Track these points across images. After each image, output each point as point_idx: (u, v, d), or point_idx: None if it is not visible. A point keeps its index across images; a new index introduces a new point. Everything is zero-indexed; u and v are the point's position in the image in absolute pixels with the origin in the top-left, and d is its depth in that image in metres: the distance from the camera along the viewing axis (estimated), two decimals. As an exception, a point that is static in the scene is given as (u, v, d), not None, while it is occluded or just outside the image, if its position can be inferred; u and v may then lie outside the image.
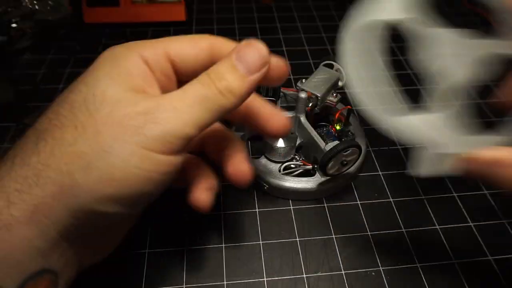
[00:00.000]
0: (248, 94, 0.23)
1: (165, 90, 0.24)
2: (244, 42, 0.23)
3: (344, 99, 0.46)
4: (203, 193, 0.26)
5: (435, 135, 0.21)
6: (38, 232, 0.20)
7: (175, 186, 0.25)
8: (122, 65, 0.22)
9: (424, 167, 0.21)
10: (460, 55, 0.22)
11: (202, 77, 0.22)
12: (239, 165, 0.27)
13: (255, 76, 0.23)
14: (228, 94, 0.22)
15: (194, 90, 0.22)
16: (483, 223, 0.34)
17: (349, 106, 0.38)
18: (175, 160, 0.22)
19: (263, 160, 0.37)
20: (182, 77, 0.25)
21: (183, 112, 0.21)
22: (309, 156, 0.37)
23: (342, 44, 0.23)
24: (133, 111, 0.21)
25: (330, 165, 0.33)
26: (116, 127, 0.20)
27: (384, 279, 0.31)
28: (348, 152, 0.33)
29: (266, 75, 0.23)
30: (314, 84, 0.36)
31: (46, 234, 0.20)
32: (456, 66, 0.22)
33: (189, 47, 0.24)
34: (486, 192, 0.37)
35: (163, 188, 0.22)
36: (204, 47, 0.24)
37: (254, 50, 0.23)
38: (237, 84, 0.22)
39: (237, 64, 0.22)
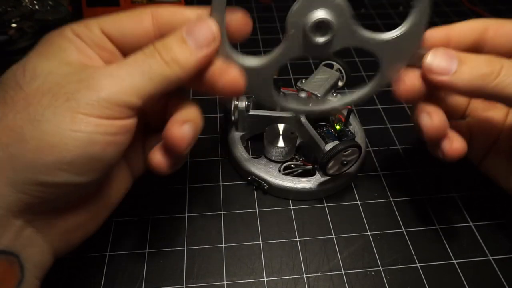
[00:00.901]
0: (195, 68, 0.23)
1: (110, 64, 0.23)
2: (196, 18, 0.23)
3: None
4: (177, 127, 0.23)
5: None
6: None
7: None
8: (55, 43, 0.23)
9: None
10: None
11: (147, 48, 0.22)
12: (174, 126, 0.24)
13: (204, 51, 0.22)
14: (173, 64, 0.22)
15: (135, 59, 0.22)
16: (483, 223, 0.34)
17: (349, 106, 0.38)
18: (119, 123, 0.21)
19: (263, 160, 0.37)
20: (128, 52, 0.24)
21: (121, 79, 0.21)
22: (309, 156, 0.37)
23: None
24: (65, 80, 0.21)
25: (330, 165, 0.33)
26: (46, 96, 0.20)
27: (384, 279, 0.31)
28: (348, 152, 0.33)
29: (229, 31, 0.23)
30: (314, 84, 0.36)
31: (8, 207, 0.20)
32: None
33: (129, 22, 0.24)
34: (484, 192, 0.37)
35: (114, 150, 0.22)
36: (146, 21, 0.24)
37: (205, 26, 0.23)
38: (185, 56, 0.22)
39: (187, 38, 0.22)
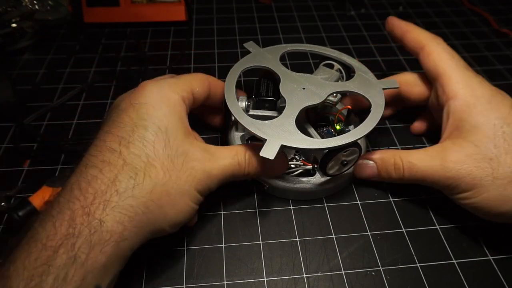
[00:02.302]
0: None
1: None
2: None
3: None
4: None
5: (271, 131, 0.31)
6: (131, 245, 0.25)
7: None
8: (177, 110, 0.30)
9: (265, 152, 0.29)
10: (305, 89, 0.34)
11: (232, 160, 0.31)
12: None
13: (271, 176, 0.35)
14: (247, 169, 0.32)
15: (226, 162, 0.30)
16: (483, 223, 0.34)
17: (349, 106, 0.38)
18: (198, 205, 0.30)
19: (263, 160, 0.37)
20: (193, 105, 0.33)
21: (217, 178, 0.30)
22: (309, 156, 0.37)
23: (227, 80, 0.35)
24: (197, 166, 0.28)
25: (330, 165, 0.33)
26: (188, 176, 0.28)
27: (384, 279, 0.31)
28: (348, 152, 0.33)
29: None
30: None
31: (134, 247, 0.26)
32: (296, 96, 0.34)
33: (201, 84, 0.33)
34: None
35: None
36: (207, 85, 0.34)
37: (282, 168, 0.34)
38: (256, 174, 0.32)
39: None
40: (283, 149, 0.30)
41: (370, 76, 0.36)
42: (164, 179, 0.26)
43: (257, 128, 0.31)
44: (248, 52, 0.38)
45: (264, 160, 0.31)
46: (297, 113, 0.32)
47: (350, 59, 0.38)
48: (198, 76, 0.34)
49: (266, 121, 0.31)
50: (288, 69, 0.36)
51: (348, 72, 0.39)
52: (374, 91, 0.35)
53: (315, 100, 0.33)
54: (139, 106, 0.28)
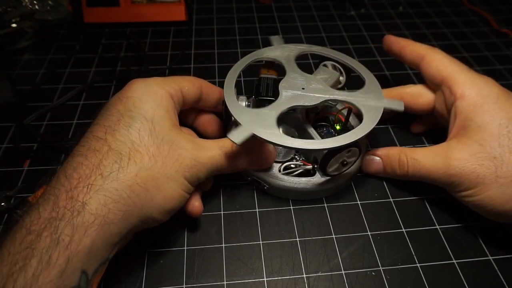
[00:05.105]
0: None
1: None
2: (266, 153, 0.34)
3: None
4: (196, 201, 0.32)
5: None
6: (118, 230, 0.25)
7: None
8: (163, 104, 0.30)
9: (233, 135, 0.29)
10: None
11: (220, 151, 0.31)
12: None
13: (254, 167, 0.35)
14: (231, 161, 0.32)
15: (214, 153, 0.31)
16: (483, 223, 0.34)
17: (349, 106, 0.38)
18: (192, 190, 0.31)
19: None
20: (184, 105, 0.34)
21: (206, 166, 0.30)
22: (309, 156, 0.37)
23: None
24: (184, 153, 0.29)
25: (330, 165, 0.33)
26: (174, 162, 0.28)
27: (384, 279, 0.31)
28: (348, 152, 0.33)
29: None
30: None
31: (121, 233, 0.26)
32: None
33: (191, 85, 0.34)
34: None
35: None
36: (198, 86, 0.34)
37: (269, 160, 0.34)
38: (244, 166, 0.33)
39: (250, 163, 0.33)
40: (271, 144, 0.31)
41: (378, 93, 0.35)
42: (150, 164, 0.27)
43: (241, 113, 0.31)
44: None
45: (251, 151, 0.32)
46: (283, 109, 0.32)
47: (367, 73, 0.37)
48: (188, 77, 0.35)
49: (253, 109, 0.32)
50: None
51: (348, 73, 0.39)
52: (374, 103, 0.34)
53: (308, 102, 0.33)
54: (126, 99, 0.30)
